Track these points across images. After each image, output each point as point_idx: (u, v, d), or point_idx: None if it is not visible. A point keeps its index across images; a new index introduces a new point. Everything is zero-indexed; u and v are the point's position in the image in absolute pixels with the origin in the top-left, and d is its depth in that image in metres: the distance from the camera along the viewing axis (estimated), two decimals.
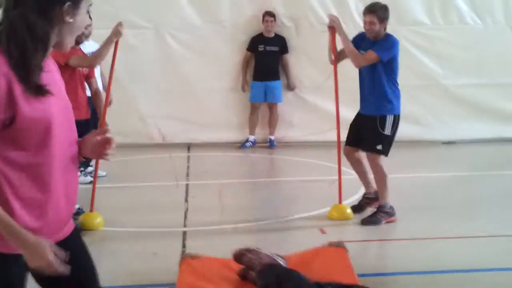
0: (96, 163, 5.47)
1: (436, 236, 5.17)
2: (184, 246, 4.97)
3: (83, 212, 5.47)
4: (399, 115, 5.53)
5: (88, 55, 6.19)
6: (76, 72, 5.50)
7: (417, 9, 9.21)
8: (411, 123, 8.93)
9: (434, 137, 9.37)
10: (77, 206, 5.36)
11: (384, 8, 5.44)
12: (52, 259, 2.00)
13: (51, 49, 2.11)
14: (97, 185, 5.51)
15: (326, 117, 8.27)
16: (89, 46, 6.79)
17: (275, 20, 8.99)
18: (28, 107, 2.00)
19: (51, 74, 2.15)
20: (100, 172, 6.60)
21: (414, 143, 8.98)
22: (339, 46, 5.64)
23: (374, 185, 5.68)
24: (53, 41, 2.09)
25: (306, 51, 9.08)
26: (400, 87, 5.57)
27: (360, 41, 5.56)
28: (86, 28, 5.89)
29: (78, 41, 5.55)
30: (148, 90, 9.04)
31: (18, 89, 1.98)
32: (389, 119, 5.47)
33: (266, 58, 9.03)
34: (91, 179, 6.03)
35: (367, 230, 5.39)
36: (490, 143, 9.29)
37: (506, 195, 6.51)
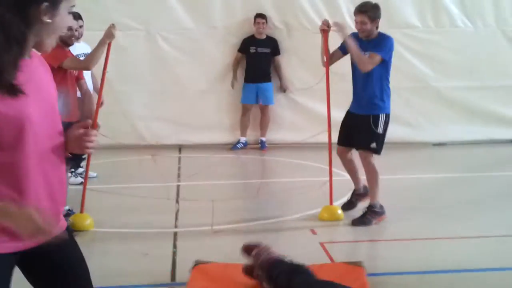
0: (87, 164, 5.46)
1: (427, 237, 5.19)
2: (175, 247, 4.95)
3: (73, 213, 5.46)
4: (389, 114, 5.56)
5: (79, 57, 6.20)
6: (67, 74, 5.49)
7: (408, 12, 9.25)
8: (402, 125, 8.98)
9: (425, 139, 9.42)
10: (67, 207, 5.35)
11: (375, 7, 5.44)
12: (41, 221, 1.94)
13: (30, 49, 2.08)
14: (87, 186, 5.48)
15: (318, 119, 8.28)
16: (80, 48, 6.79)
17: (266, 22, 9.00)
18: (1, 104, 1.97)
19: (32, 73, 2.10)
20: (91, 173, 6.58)
21: (405, 145, 9.04)
22: (332, 48, 5.65)
23: (363, 181, 5.72)
24: (31, 41, 2.06)
25: (297, 53, 9.10)
26: (391, 89, 5.59)
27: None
28: (77, 30, 5.94)
29: (69, 43, 5.56)
30: (139, 91, 9.04)
31: None
32: (382, 118, 5.49)
33: (257, 60, 9.04)
34: (82, 180, 6.02)
35: (358, 230, 5.40)
36: (481, 145, 9.35)
37: (497, 196, 6.55)
